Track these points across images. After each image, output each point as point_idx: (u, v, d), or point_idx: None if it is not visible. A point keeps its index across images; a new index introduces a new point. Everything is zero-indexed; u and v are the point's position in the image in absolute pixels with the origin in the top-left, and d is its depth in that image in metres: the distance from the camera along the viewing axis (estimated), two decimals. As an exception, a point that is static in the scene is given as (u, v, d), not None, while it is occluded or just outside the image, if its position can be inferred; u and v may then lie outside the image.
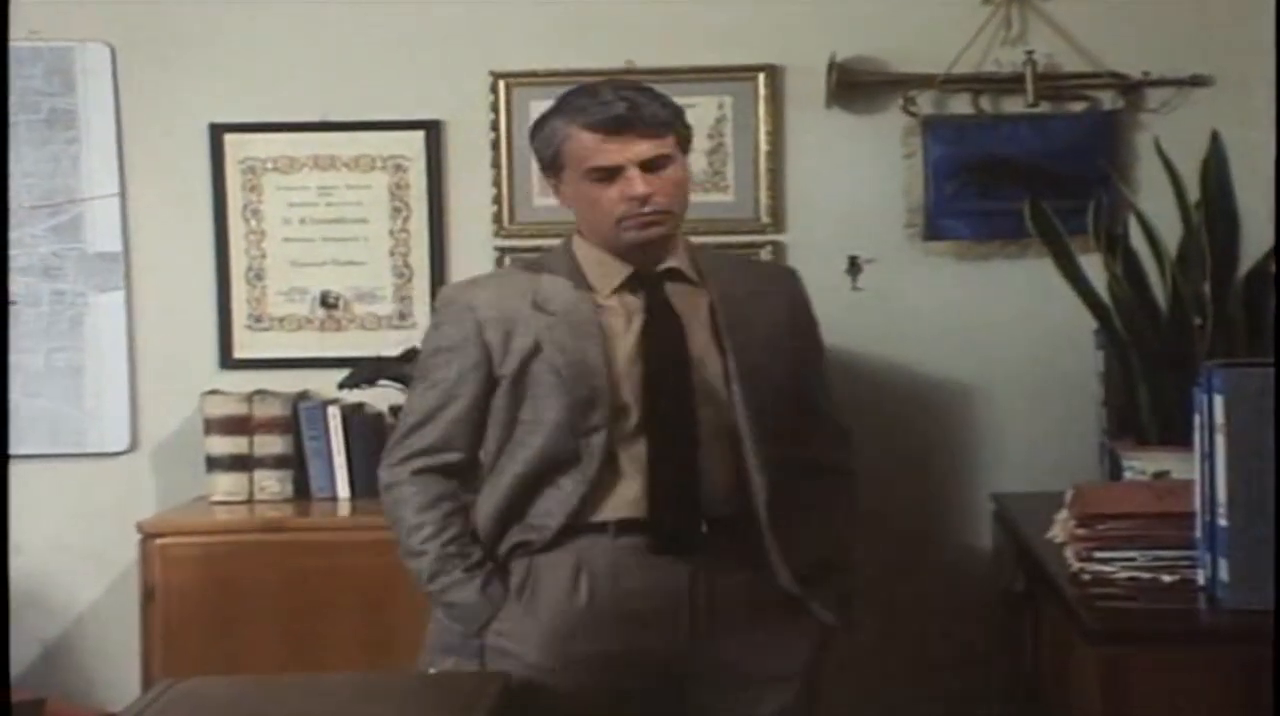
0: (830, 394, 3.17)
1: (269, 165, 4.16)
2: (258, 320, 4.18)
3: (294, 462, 4.03)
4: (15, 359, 4.18)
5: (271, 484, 4.00)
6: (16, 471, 4.12)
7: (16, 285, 4.18)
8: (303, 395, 4.09)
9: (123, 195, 4.19)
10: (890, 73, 4.01)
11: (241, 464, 4.01)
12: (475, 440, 3.01)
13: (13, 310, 4.18)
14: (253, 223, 4.18)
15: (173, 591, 3.71)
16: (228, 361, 4.17)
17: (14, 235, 4.18)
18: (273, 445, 4.01)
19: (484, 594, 2.95)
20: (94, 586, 4.17)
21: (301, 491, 4.03)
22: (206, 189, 4.16)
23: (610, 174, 2.93)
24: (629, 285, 3.00)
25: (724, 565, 2.93)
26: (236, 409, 4.02)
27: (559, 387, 2.93)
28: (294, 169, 4.15)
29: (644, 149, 2.92)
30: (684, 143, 3.01)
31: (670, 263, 3.01)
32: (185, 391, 4.11)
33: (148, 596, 3.75)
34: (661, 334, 2.96)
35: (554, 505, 2.93)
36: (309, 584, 3.67)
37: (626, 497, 2.92)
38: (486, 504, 2.99)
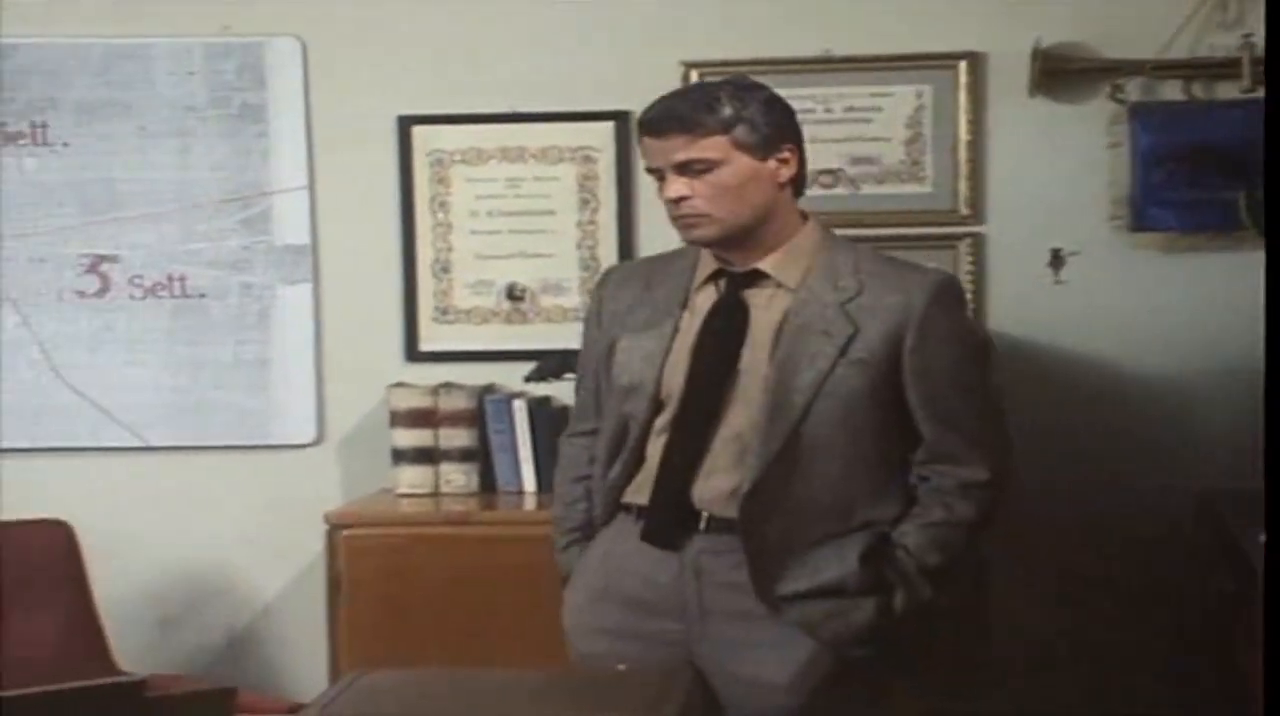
0: (961, 422, 2.92)
1: (457, 157, 4.17)
2: (444, 313, 4.19)
3: (479, 456, 4.03)
4: (203, 351, 4.25)
5: (457, 477, 4.01)
6: (204, 462, 4.26)
7: (205, 278, 4.24)
8: (488, 388, 4.08)
9: (311, 188, 4.22)
10: (1097, 59, 3.91)
11: (427, 457, 4.01)
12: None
13: (201, 303, 4.24)
14: (440, 215, 4.18)
15: (358, 583, 3.73)
16: (413, 354, 4.18)
17: (203, 228, 4.25)
18: (458, 438, 4.01)
19: (562, 560, 3.10)
20: (280, 577, 4.21)
21: (487, 485, 4.04)
22: (394, 181, 4.17)
23: (660, 176, 2.94)
24: (714, 281, 3.00)
25: (719, 565, 2.90)
26: (422, 402, 4.03)
27: (618, 374, 3.02)
28: (482, 161, 4.14)
29: (676, 151, 2.90)
30: (749, 145, 2.91)
31: (756, 264, 2.96)
32: (371, 384, 4.13)
33: (334, 588, 3.77)
34: (717, 334, 2.95)
35: (608, 484, 3.02)
36: (494, 577, 3.65)
37: (643, 485, 2.96)
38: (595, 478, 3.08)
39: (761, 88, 2.97)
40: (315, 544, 3.87)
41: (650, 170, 2.94)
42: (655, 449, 2.95)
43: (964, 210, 3.98)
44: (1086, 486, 3.85)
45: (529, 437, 4.00)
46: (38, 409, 4.28)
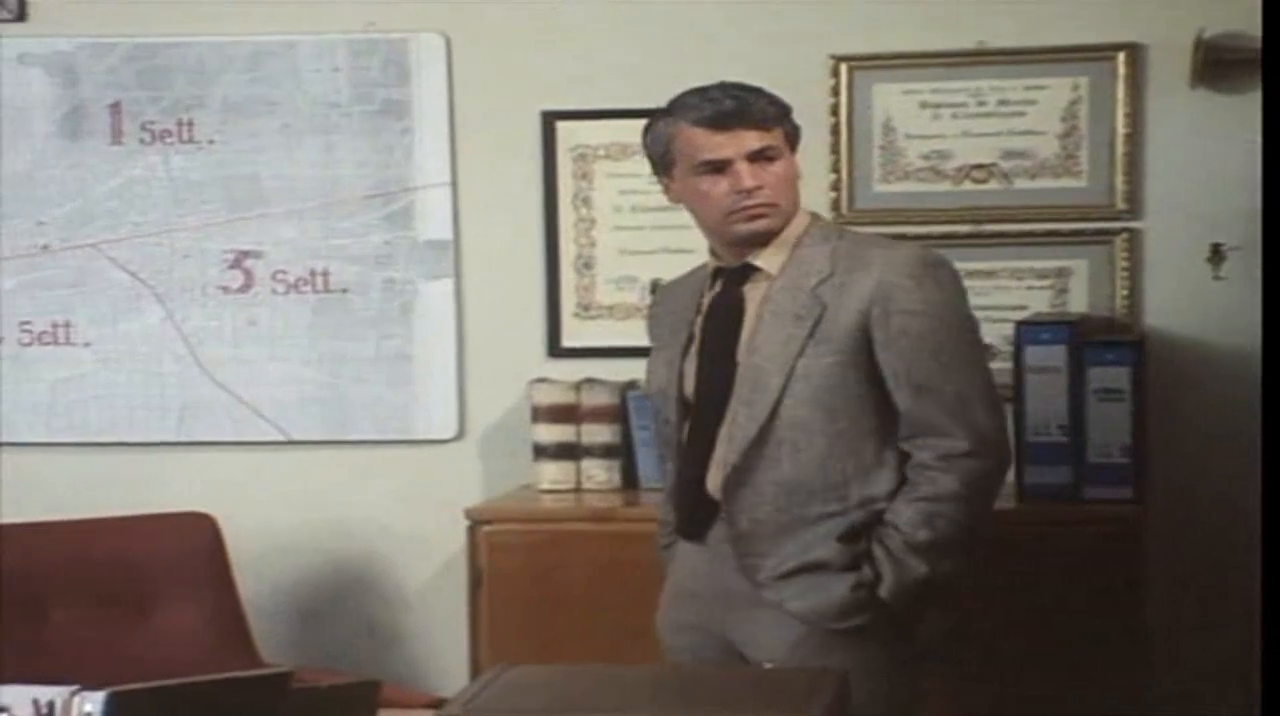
0: (937, 391, 2.92)
1: (600, 153, 4.15)
2: (586, 308, 4.18)
3: (621, 452, 4.01)
4: (345, 346, 4.26)
5: (599, 473, 4.00)
6: (346, 456, 4.26)
7: (348, 273, 4.25)
8: (631, 384, 4.05)
9: (454, 184, 4.22)
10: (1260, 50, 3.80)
11: (569, 452, 4.00)
12: None
13: (343, 298, 4.25)
14: (583, 210, 4.17)
15: (499, 578, 3.72)
16: (556, 349, 4.17)
17: (346, 224, 4.26)
18: (600, 434, 4.00)
19: (662, 559, 3.25)
20: (422, 572, 4.22)
21: (629, 481, 4.02)
22: (537, 177, 4.16)
23: (719, 167, 3.01)
24: (715, 280, 3.12)
25: (729, 555, 3.00)
26: (564, 397, 4.02)
27: (649, 385, 3.23)
28: (625, 156, 4.12)
29: (751, 141, 3.00)
30: (792, 140, 3.07)
31: (751, 259, 3.05)
32: (513, 379, 4.12)
33: (475, 582, 3.77)
34: (716, 330, 3.06)
35: (665, 488, 3.25)
36: (635, 574, 3.60)
37: None
38: None
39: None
40: (456, 539, 3.87)
41: (705, 163, 3.00)
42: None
43: (1120, 205, 3.89)
44: (1248, 491, 3.73)
45: (672, 433, 3.96)
46: (182, 403, 4.31)
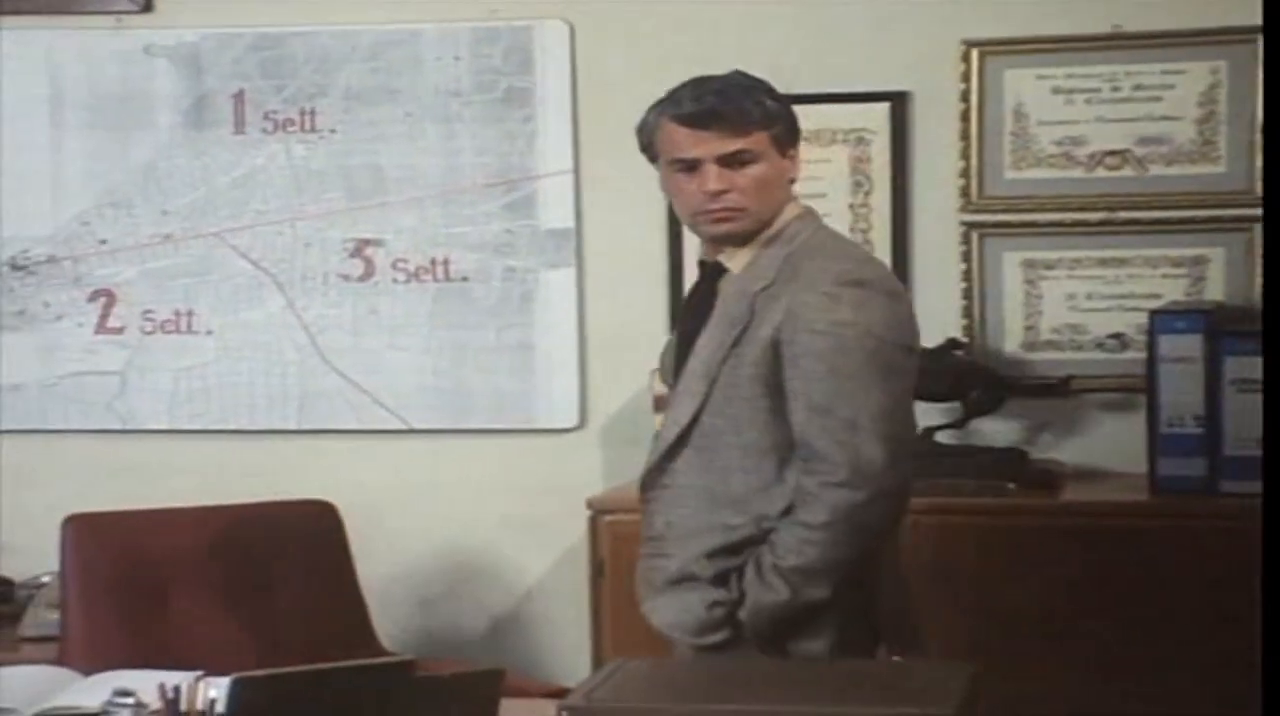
0: (829, 414, 2.81)
1: (718, 138, 4.09)
2: None
3: None
4: (466, 335, 4.25)
5: None
6: (466, 445, 4.24)
7: (468, 262, 4.24)
8: None
9: (576, 172, 4.20)
10: None
11: None
12: None
13: (464, 287, 4.24)
14: (706, 197, 4.11)
15: (621, 568, 3.63)
16: (678, 339, 4.11)
17: (467, 213, 4.25)
18: None
19: None
20: (542, 561, 4.20)
21: None
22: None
23: (691, 166, 2.95)
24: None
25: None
26: None
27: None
28: None
29: (723, 144, 2.92)
30: (784, 140, 2.97)
31: (720, 257, 3.00)
32: (635, 368, 4.08)
33: (597, 572, 3.74)
34: (687, 326, 3.02)
35: None
36: None
37: None
38: None
39: (773, 88, 3.01)
40: (577, 528, 3.86)
41: (677, 161, 2.94)
42: None
43: (1259, 191, 3.79)
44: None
45: (795, 425, 3.90)
46: (303, 392, 4.32)
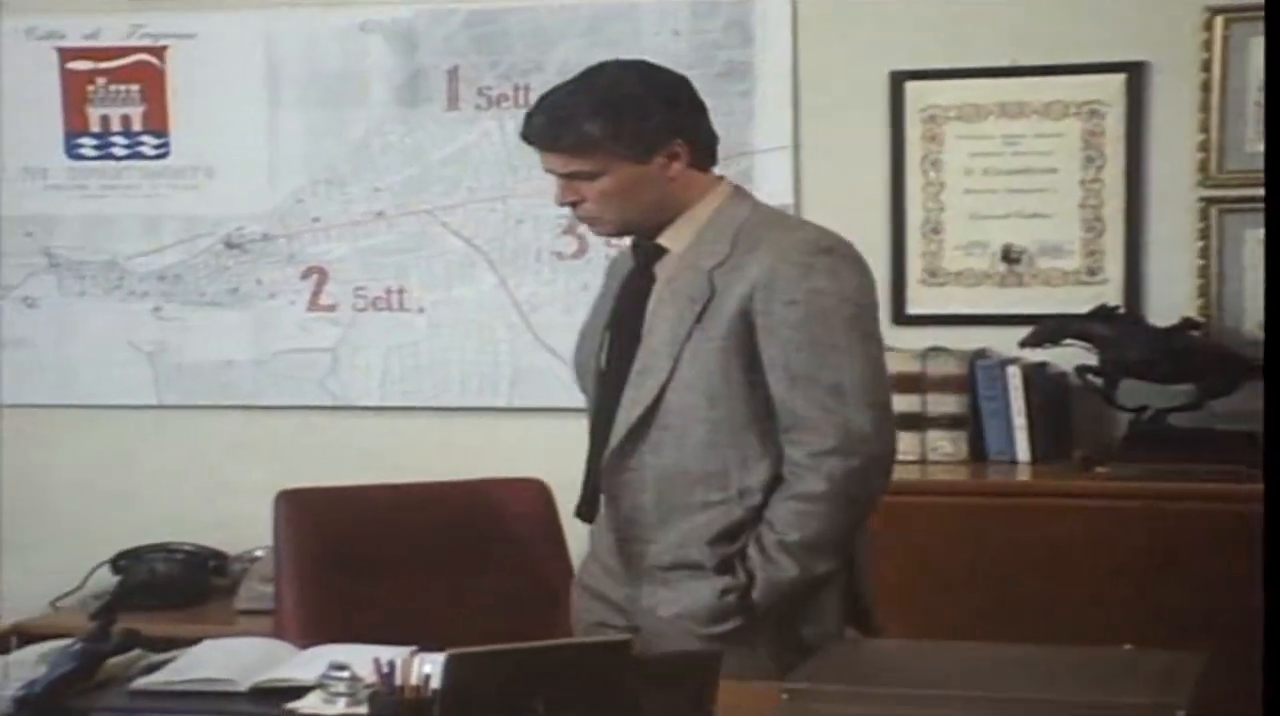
0: (812, 383, 2.74)
1: (952, 114, 4.03)
2: (933, 275, 4.07)
3: (969, 423, 3.89)
4: None
5: (945, 444, 3.89)
6: None
7: (687, 239, 4.17)
8: (980, 353, 3.94)
9: (795, 147, 4.14)
10: None
11: (913, 423, 3.89)
12: None
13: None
14: (932, 174, 4.06)
15: None
16: (901, 317, 4.08)
17: (690, 190, 4.19)
18: (946, 404, 3.89)
19: None
20: None
21: (976, 453, 3.89)
22: (884, 139, 4.07)
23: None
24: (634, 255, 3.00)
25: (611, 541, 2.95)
26: (909, 366, 3.91)
27: (576, 355, 3.06)
28: (979, 117, 4.00)
29: (558, 164, 2.87)
30: (635, 152, 2.82)
31: (660, 239, 2.91)
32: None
33: None
34: (622, 308, 2.95)
35: None
36: (983, 550, 3.51)
37: None
38: None
39: (643, 77, 2.89)
40: None
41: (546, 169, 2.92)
42: None
43: None
44: None
45: (1023, 405, 3.85)
46: (514, 369, 4.31)
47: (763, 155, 4.14)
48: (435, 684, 2.34)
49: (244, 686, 2.72)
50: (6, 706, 2.30)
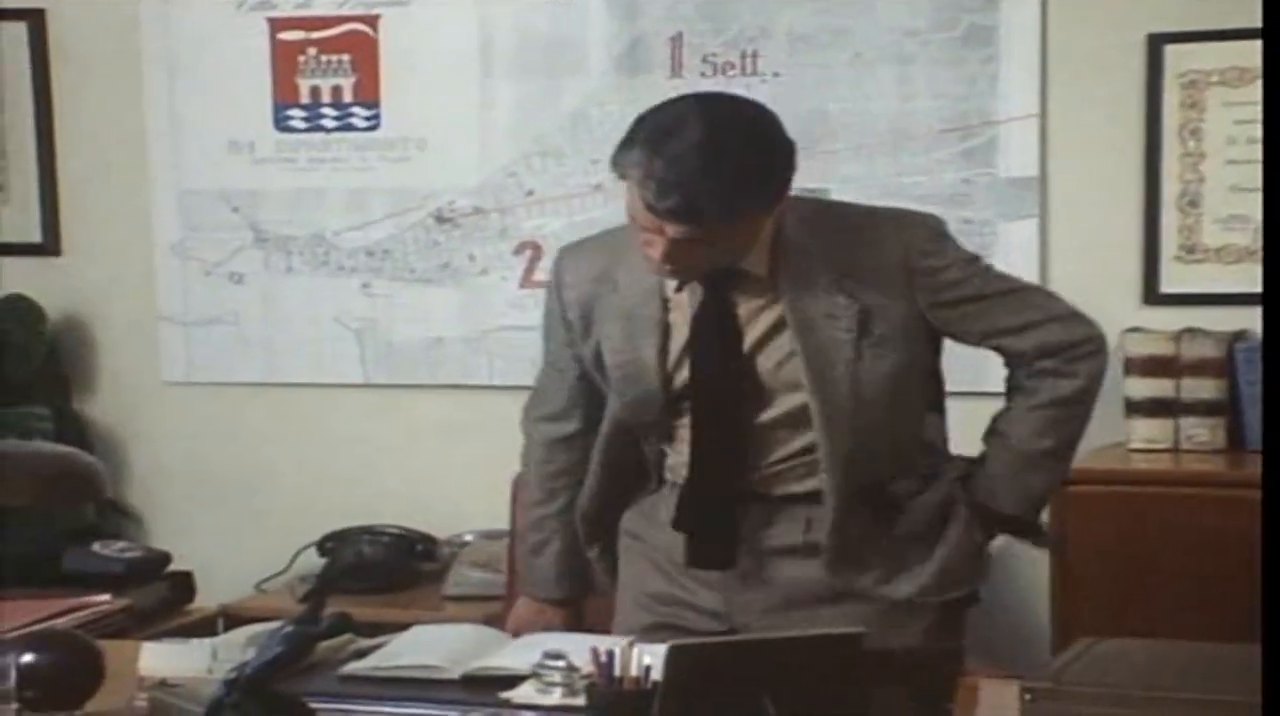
0: (1040, 322, 2.95)
1: (1214, 79, 3.98)
2: (1189, 251, 4.01)
3: (1227, 409, 3.85)
4: None
5: (1200, 432, 3.84)
6: None
7: (921, 213, 4.15)
8: (1239, 335, 3.88)
9: (1043, 115, 4.10)
10: None
11: (1166, 409, 3.86)
12: (593, 410, 3.10)
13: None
14: (1190, 143, 4.00)
15: (1085, 544, 3.64)
16: (1152, 296, 4.03)
17: (920, 161, 4.19)
18: (1203, 389, 3.84)
19: None
20: None
21: (1235, 441, 3.84)
22: (1138, 107, 4.02)
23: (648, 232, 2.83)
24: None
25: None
26: (1161, 348, 3.88)
27: (617, 386, 3.01)
28: (1243, 82, 3.94)
29: (672, 232, 2.77)
30: (757, 216, 2.80)
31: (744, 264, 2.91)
32: (1103, 328, 3.91)
33: (1058, 547, 3.66)
34: (709, 337, 2.92)
35: None
36: (1239, 545, 3.42)
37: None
38: None
39: (762, 127, 2.81)
40: None
41: (632, 218, 2.82)
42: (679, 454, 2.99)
43: None
44: None
45: (1289, 392, 3.75)
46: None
47: (1007, 125, 4.10)
48: (656, 675, 2.37)
49: (455, 674, 2.75)
50: (216, 689, 2.35)
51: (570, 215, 4.43)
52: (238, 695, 2.32)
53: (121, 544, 4.26)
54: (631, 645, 2.55)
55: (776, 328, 2.91)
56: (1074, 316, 2.98)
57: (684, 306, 2.96)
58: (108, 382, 4.83)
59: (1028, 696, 2.34)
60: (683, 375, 2.97)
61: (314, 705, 2.38)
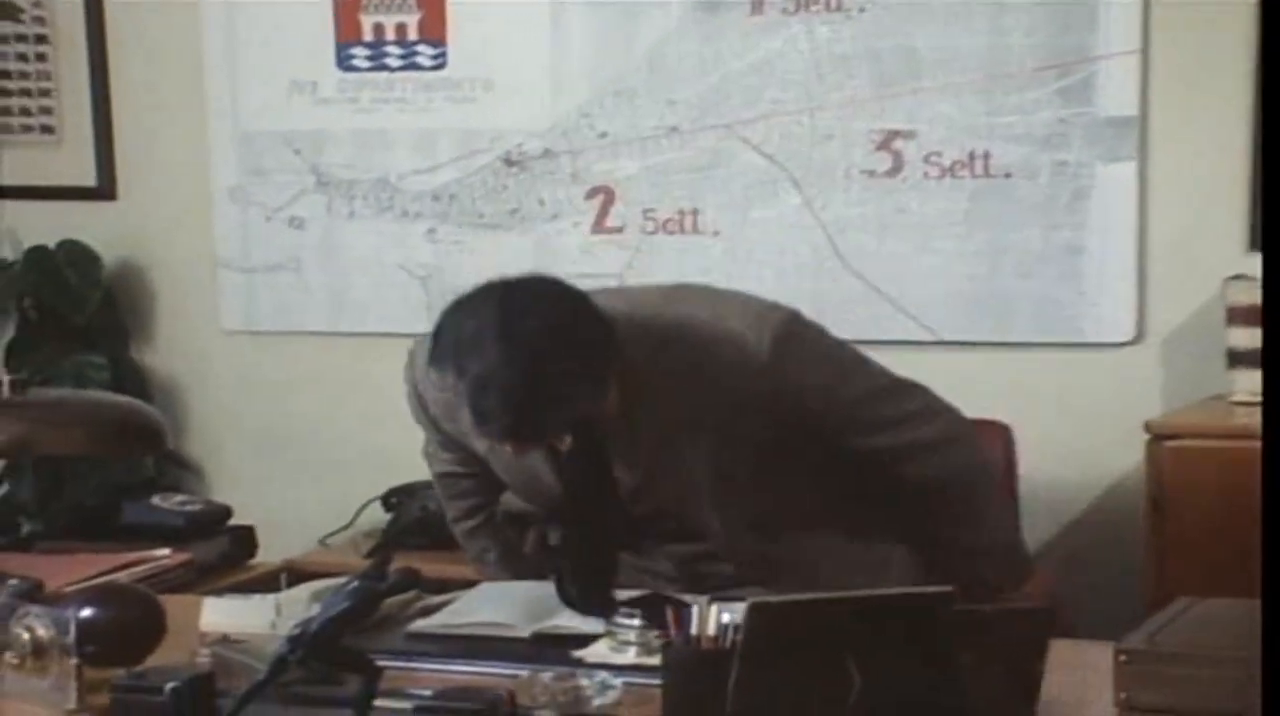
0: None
1: (1327, 11, 3.90)
2: None
3: None
4: (1007, 237, 4.19)
5: None
6: (1004, 360, 4.16)
7: (1012, 156, 4.16)
8: None
9: (1144, 51, 4.07)
10: None
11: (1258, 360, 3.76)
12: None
13: (1006, 184, 4.17)
14: (1301, 80, 3.92)
15: (1183, 500, 3.62)
16: (1258, 242, 3.96)
17: (1013, 100, 4.17)
18: None
19: None
20: (1090, 490, 4.13)
21: None
22: (1247, 42, 3.96)
23: None
24: None
25: None
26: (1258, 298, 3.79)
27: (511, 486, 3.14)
28: None
29: (516, 448, 2.86)
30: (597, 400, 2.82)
31: None
32: (1204, 276, 3.98)
33: (1154, 505, 3.66)
34: (582, 477, 2.97)
35: None
36: None
37: None
38: None
39: (561, 312, 2.80)
40: (1132, 455, 3.80)
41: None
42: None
43: None
44: None
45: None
46: (817, 297, 4.27)
47: (1106, 62, 4.07)
48: (736, 635, 2.37)
49: (525, 632, 2.78)
50: (280, 645, 2.37)
51: (645, 158, 4.43)
52: (302, 651, 2.33)
53: (181, 497, 4.28)
54: (710, 602, 2.55)
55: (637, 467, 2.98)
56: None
57: None
58: (166, 331, 4.87)
59: (1123, 658, 2.34)
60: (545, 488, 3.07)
61: (380, 662, 2.39)
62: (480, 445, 3.05)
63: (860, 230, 4.27)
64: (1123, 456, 3.92)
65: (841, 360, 3.08)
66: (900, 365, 4.18)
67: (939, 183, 4.20)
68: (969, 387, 4.12)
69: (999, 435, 3.78)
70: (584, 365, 2.77)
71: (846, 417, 3.00)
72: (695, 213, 4.41)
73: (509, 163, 4.54)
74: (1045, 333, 4.16)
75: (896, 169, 4.24)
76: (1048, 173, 4.12)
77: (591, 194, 4.49)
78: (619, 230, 4.48)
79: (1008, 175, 4.15)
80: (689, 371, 2.91)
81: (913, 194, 4.23)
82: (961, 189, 4.19)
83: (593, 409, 2.82)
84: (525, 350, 2.71)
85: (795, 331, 3.01)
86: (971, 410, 4.07)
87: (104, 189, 4.85)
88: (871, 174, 4.26)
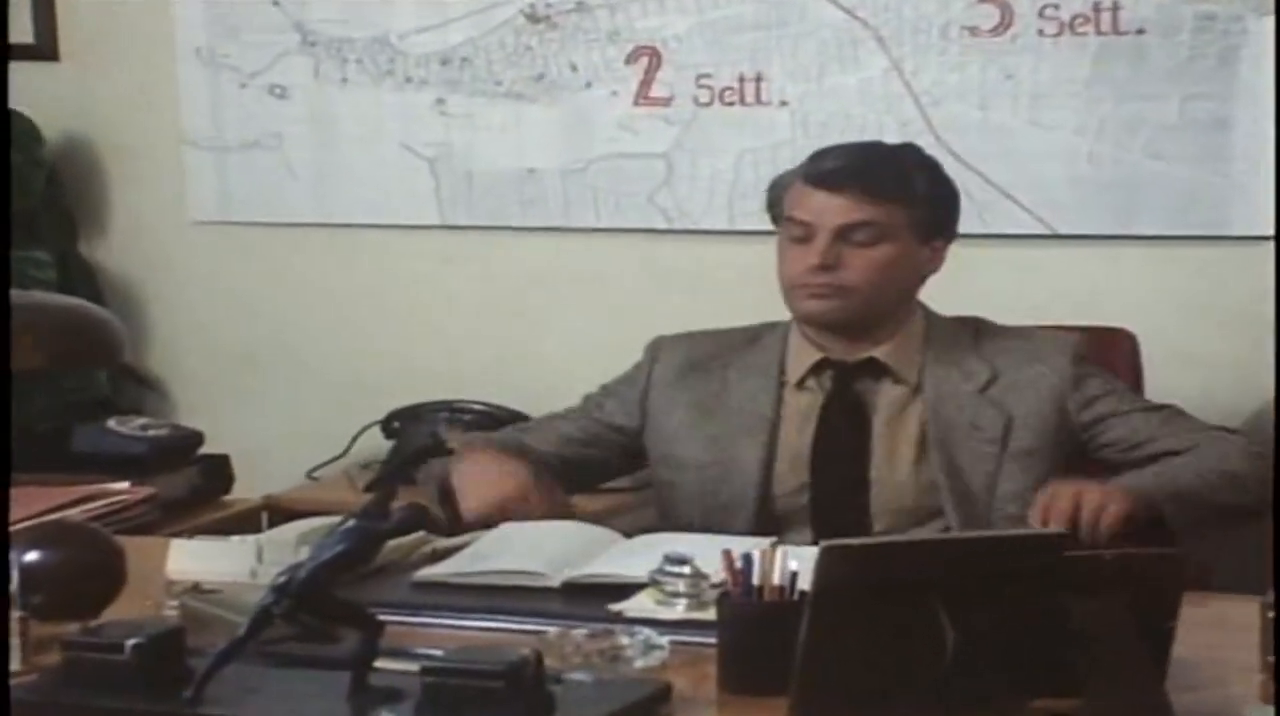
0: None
1: None
2: None
3: None
4: (1137, 109, 4.20)
5: None
6: (1134, 257, 4.21)
7: (1145, 8, 4.17)
8: None
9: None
10: None
11: None
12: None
13: (1138, 42, 4.17)
14: None
15: None
16: None
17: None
18: None
19: None
20: (1226, 406, 4.09)
21: None
22: None
23: (806, 234, 3.37)
24: (816, 374, 3.46)
25: None
26: None
27: (693, 489, 3.44)
28: None
29: (843, 212, 3.35)
30: (924, 227, 3.42)
31: (870, 352, 3.44)
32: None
33: None
34: (835, 441, 3.42)
35: None
36: None
37: None
38: None
39: (938, 164, 3.52)
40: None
41: (792, 221, 3.38)
42: None
43: None
44: None
45: None
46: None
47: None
48: (803, 585, 2.40)
49: (555, 581, 2.82)
50: (262, 595, 2.38)
51: (699, 13, 4.45)
52: (289, 603, 2.36)
53: (143, 420, 4.33)
54: (774, 545, 2.58)
55: (908, 432, 3.41)
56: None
57: (800, 407, 3.43)
58: (122, 222, 4.92)
59: (1270, 614, 2.37)
60: (786, 484, 3.41)
61: (381, 616, 2.42)
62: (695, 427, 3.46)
63: (960, 100, 4.29)
64: (1268, 372, 3.88)
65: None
66: (1011, 264, 4.26)
67: (1055, 41, 4.22)
68: (1089, 289, 4.21)
69: (1123, 344, 3.83)
70: (936, 174, 3.48)
71: None
72: (759, 79, 4.44)
73: (533, 19, 4.56)
74: (1184, 225, 4.18)
75: (1004, 25, 4.25)
76: (1189, 28, 4.13)
77: (633, 56, 4.52)
78: (667, 101, 4.50)
79: (1140, 31, 4.15)
80: (992, 346, 3.47)
81: (1024, 56, 4.25)
82: (1084, 49, 4.20)
83: (917, 217, 3.40)
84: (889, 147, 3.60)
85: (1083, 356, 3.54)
86: (1092, 316, 4.16)
87: (44, 48, 4.89)
88: (974, 31, 4.27)
